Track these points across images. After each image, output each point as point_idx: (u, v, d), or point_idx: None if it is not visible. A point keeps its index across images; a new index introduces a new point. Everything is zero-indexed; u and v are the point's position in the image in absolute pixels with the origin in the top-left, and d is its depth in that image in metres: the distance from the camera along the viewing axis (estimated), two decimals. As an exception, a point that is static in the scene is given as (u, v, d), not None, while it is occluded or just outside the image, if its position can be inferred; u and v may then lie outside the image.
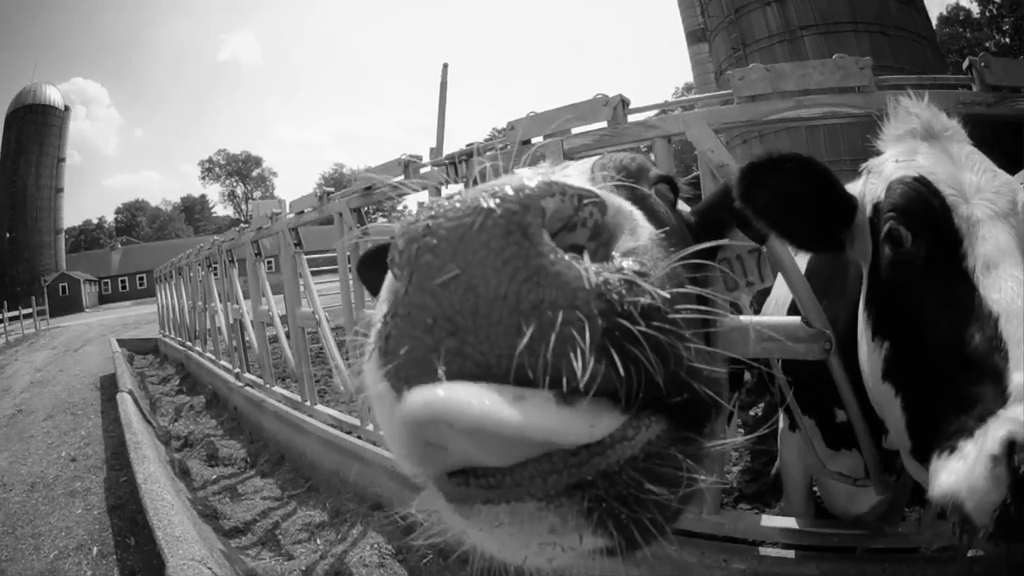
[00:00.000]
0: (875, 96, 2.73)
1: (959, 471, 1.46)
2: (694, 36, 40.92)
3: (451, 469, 0.70)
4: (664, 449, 0.72)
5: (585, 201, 0.72)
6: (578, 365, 0.63)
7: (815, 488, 3.55)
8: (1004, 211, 1.83)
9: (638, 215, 0.84)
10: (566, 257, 0.67)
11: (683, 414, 0.75)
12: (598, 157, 1.79)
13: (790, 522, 3.06)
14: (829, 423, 2.74)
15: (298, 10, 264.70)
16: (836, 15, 23.84)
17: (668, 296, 0.71)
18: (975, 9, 70.95)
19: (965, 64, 2.87)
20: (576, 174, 1.60)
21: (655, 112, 3.29)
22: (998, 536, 1.38)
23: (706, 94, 3.52)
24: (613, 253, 0.74)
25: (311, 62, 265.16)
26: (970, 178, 1.90)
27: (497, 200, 0.67)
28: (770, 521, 3.09)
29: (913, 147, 2.05)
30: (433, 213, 0.69)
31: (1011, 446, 1.35)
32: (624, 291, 0.68)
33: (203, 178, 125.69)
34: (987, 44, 68.03)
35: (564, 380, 0.64)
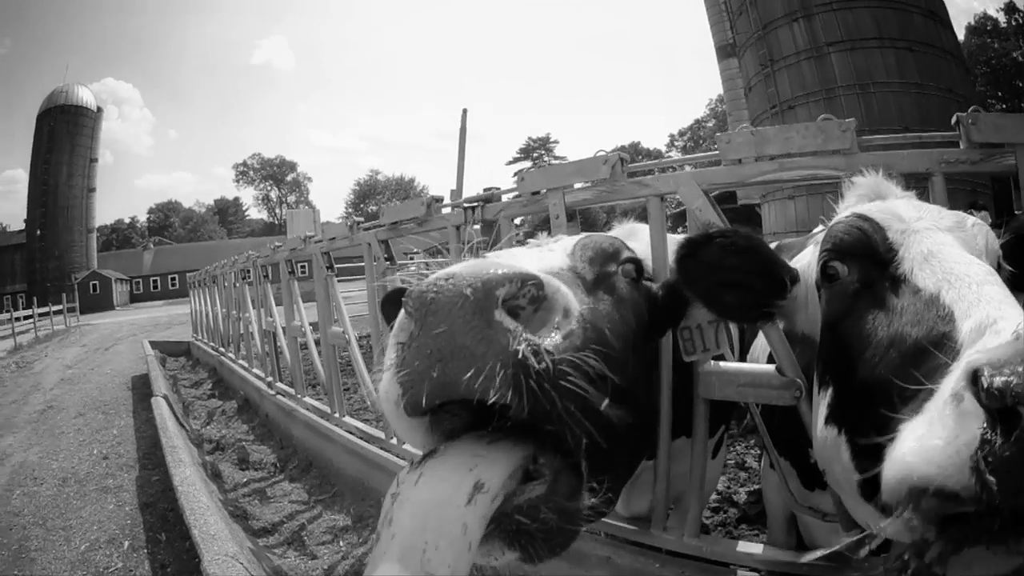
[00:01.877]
0: (856, 158, 2.77)
1: (912, 439, 1.28)
2: (724, 51, 40.44)
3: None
4: (544, 504, 1.30)
5: (528, 283, 1.28)
6: (496, 388, 1.20)
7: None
8: (948, 227, 1.86)
9: (566, 295, 1.43)
10: (507, 326, 1.23)
11: (561, 476, 1.37)
12: (584, 237, 2.09)
13: (759, 548, 3.14)
14: (803, 464, 2.82)
15: (330, 16, 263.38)
16: (862, 31, 23.57)
17: (557, 359, 1.29)
18: (1002, 19, 69.77)
19: (953, 119, 2.77)
20: (559, 250, 1.98)
21: (652, 169, 3.50)
22: (994, 505, 1.11)
23: (697, 155, 3.71)
24: (547, 317, 1.35)
25: (343, 68, 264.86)
26: (912, 212, 1.92)
27: (470, 289, 1.21)
28: (744, 547, 3.16)
29: (858, 206, 2.13)
30: (435, 289, 1.23)
31: (973, 375, 1.17)
32: (530, 353, 1.23)
33: (237, 181, 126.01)
34: (1015, 54, 66.85)
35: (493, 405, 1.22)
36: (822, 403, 1.91)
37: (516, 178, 3.75)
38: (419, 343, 1.24)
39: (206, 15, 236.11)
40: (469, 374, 1.20)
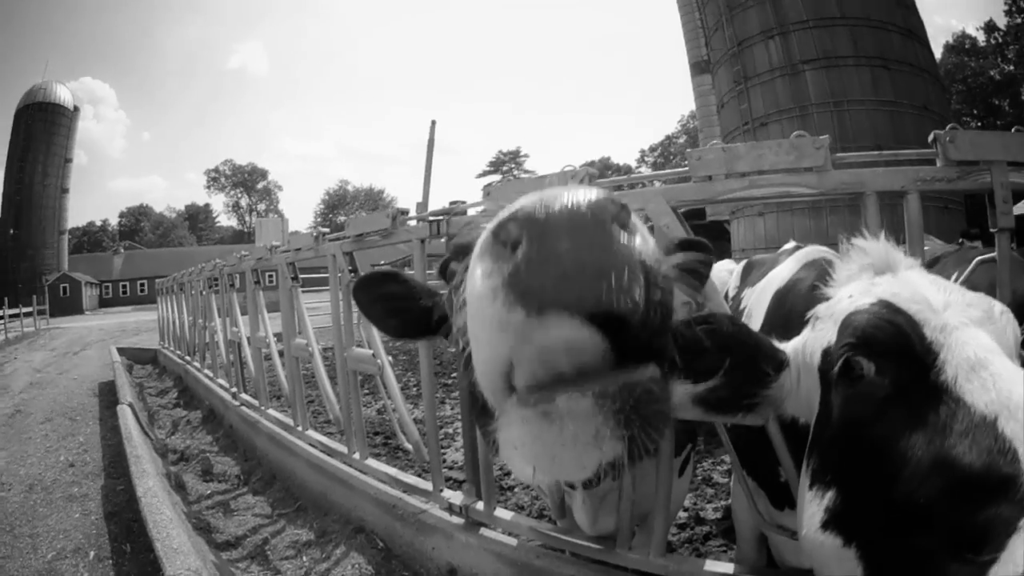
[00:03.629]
0: (829, 176, 2.76)
1: None
2: (697, 67, 40.73)
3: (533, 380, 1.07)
4: (654, 384, 1.10)
5: (623, 207, 1.07)
6: (631, 296, 1.00)
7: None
8: (979, 319, 1.63)
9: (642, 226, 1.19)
10: (623, 241, 1.04)
11: (663, 365, 1.17)
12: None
13: (729, 567, 3.11)
14: (772, 484, 2.79)
15: (306, 23, 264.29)
16: (838, 49, 23.74)
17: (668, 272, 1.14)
18: (981, 37, 70.77)
19: (931, 137, 2.79)
20: None
21: (621, 184, 3.46)
22: None
23: (667, 171, 3.66)
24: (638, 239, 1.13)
25: (317, 75, 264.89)
26: (937, 295, 1.69)
27: (586, 206, 1.02)
28: (712, 566, 3.15)
29: (869, 282, 1.85)
30: (546, 208, 1.03)
31: None
32: (651, 262, 1.05)
33: (208, 187, 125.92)
34: (991, 72, 67.86)
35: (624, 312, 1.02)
36: (816, 502, 1.66)
37: (483, 191, 3.67)
38: (539, 255, 1.01)
39: (185, 16, 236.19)
40: (603, 286, 1.02)
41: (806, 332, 1.96)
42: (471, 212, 4.00)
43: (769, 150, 2.87)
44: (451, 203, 4.10)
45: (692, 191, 3.03)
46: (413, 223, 4.50)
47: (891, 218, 2.63)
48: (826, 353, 1.79)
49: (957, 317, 1.62)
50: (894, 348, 1.59)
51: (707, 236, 2.78)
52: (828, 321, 1.83)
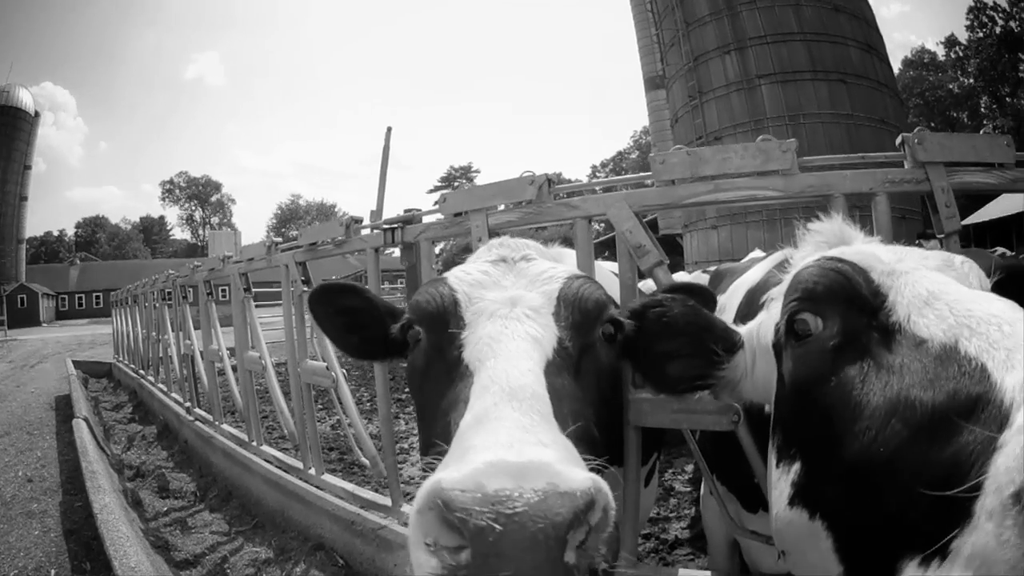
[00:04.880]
0: (796, 179, 2.74)
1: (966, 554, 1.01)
2: (652, 83, 41.01)
3: None
4: None
5: (595, 519, 1.13)
6: None
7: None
8: (936, 267, 1.58)
9: (608, 497, 1.18)
10: (573, 564, 1.10)
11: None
12: (568, 284, 1.87)
13: (706, 574, 3.07)
14: (744, 487, 2.78)
15: (263, 36, 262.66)
16: (795, 64, 24.12)
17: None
18: (940, 52, 72.16)
19: (898, 140, 2.81)
20: (543, 302, 1.78)
21: (583, 191, 3.41)
22: None
23: (627, 176, 3.60)
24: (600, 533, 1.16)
25: (274, 89, 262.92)
26: (890, 254, 1.64)
27: (541, 534, 1.05)
28: (686, 573, 3.07)
29: (821, 254, 1.78)
30: (498, 522, 1.04)
31: None
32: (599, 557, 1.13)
33: (163, 199, 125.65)
34: (950, 86, 69.28)
35: None
36: (784, 479, 1.61)
37: (438, 199, 3.59)
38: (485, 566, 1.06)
39: (145, 23, 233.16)
40: None
41: (760, 315, 1.97)
42: (426, 220, 3.92)
43: (735, 154, 2.84)
44: (405, 211, 4.01)
45: (655, 195, 2.98)
46: (367, 232, 4.42)
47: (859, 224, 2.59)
48: (777, 329, 1.76)
49: (909, 264, 1.59)
50: (839, 296, 1.56)
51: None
52: (779, 300, 1.79)
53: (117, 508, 5.40)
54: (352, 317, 2.23)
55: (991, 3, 63.92)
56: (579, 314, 1.78)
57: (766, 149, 2.79)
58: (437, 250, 3.80)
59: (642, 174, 3.18)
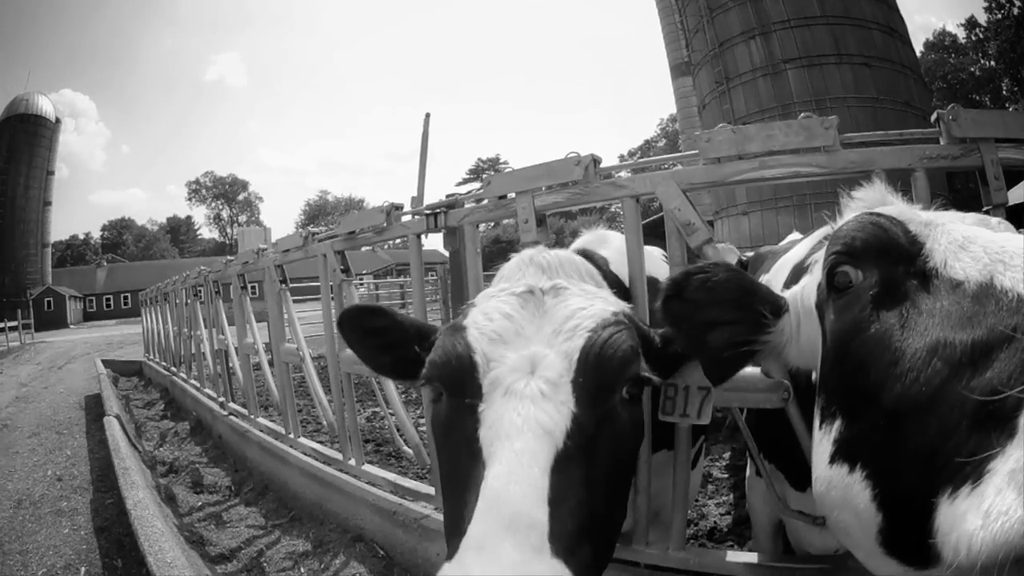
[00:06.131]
0: (839, 156, 2.75)
1: (1017, 481, 0.96)
2: (678, 70, 40.90)
3: None
4: None
5: None
6: None
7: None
8: (973, 222, 1.59)
9: None
10: None
11: None
12: (587, 342, 1.76)
13: (753, 557, 3.09)
14: (792, 466, 2.74)
15: (283, 35, 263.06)
16: (820, 48, 24.01)
17: None
18: (961, 34, 71.61)
19: (933, 117, 2.82)
20: (563, 368, 1.70)
21: (625, 171, 3.39)
22: None
23: (675, 154, 3.61)
24: None
25: (296, 87, 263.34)
26: (928, 213, 1.69)
27: None
28: (734, 556, 3.12)
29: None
30: None
31: None
32: None
33: (190, 199, 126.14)
34: (972, 68, 68.73)
35: None
36: (826, 439, 1.58)
37: (482, 182, 3.59)
38: None
39: (162, 28, 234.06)
40: None
41: (804, 278, 1.97)
42: (468, 205, 3.90)
43: (779, 131, 2.84)
44: (447, 195, 3.99)
45: (702, 173, 2.96)
46: (408, 218, 4.39)
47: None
48: (819, 287, 1.79)
49: (946, 217, 1.63)
50: (877, 246, 1.57)
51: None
52: (821, 262, 1.79)
53: (151, 504, 5.41)
54: (383, 338, 2.23)
55: (1009, -17, 63.40)
56: (601, 377, 1.71)
57: (809, 126, 2.79)
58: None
59: (686, 153, 3.16)
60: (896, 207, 1.75)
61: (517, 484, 1.47)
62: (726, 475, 6.34)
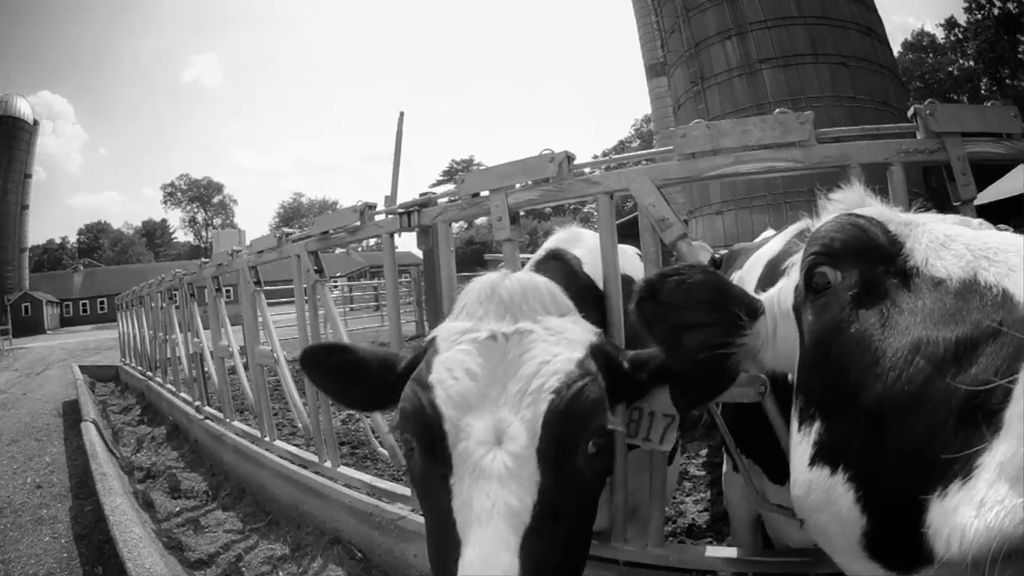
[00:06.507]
0: (814, 150, 2.76)
1: (1008, 474, 0.93)
2: (653, 70, 41.00)
3: None
4: None
5: None
6: None
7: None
8: (955, 222, 1.57)
9: None
10: None
11: None
12: (551, 405, 1.72)
13: (732, 552, 3.13)
14: (770, 460, 2.74)
15: (260, 36, 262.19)
16: (796, 48, 24.15)
17: None
18: (940, 34, 72.26)
19: (910, 112, 2.85)
20: (527, 439, 1.68)
21: (599, 168, 3.38)
22: None
23: (650, 151, 3.61)
24: None
25: (272, 88, 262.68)
26: (907, 215, 1.67)
27: None
28: (714, 552, 3.15)
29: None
30: None
31: None
32: None
33: (165, 202, 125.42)
34: (950, 68, 69.36)
35: None
36: (805, 441, 1.55)
37: (456, 180, 3.57)
38: None
39: (140, 29, 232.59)
40: None
41: (781, 280, 1.95)
42: (441, 202, 3.88)
43: (754, 126, 2.85)
44: (421, 194, 3.96)
45: (677, 169, 2.97)
46: (382, 217, 4.37)
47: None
48: (797, 289, 1.77)
49: (927, 217, 1.62)
50: (856, 247, 1.55)
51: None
52: (799, 264, 1.76)
53: (129, 509, 5.39)
54: (347, 373, 2.20)
55: (989, -16, 64.02)
56: (565, 441, 1.70)
57: (784, 121, 2.80)
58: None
59: (661, 149, 3.17)
60: (875, 208, 1.74)
61: (490, 570, 1.50)
62: (704, 472, 6.38)
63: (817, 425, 1.51)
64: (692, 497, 5.81)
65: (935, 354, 1.20)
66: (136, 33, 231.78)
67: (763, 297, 1.98)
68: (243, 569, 5.01)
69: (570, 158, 3.16)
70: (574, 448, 1.71)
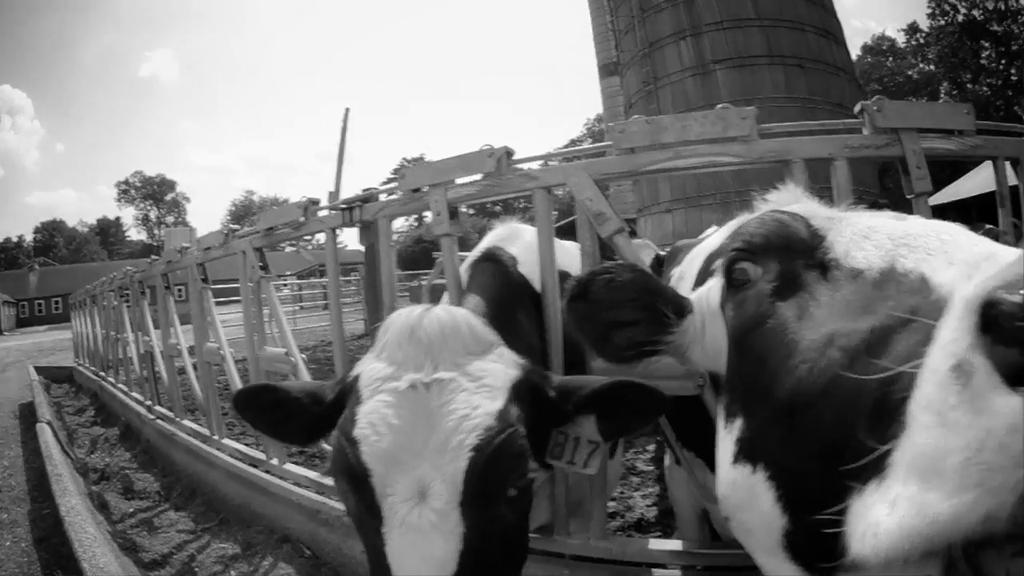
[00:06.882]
0: (756, 145, 2.79)
1: (913, 473, 0.89)
2: (606, 69, 40.87)
3: None
4: None
5: None
6: None
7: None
8: (891, 216, 1.54)
9: None
10: None
11: None
12: (470, 463, 1.76)
13: (676, 544, 3.15)
14: (713, 451, 2.76)
15: (216, 30, 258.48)
16: (752, 49, 24.26)
17: None
18: (901, 39, 73.00)
19: (857, 108, 2.88)
20: (450, 495, 1.74)
21: (538, 163, 3.39)
22: None
23: (587, 146, 3.63)
24: None
25: (227, 84, 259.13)
26: (835, 211, 1.67)
27: None
28: (657, 544, 3.18)
29: None
30: None
31: (983, 311, 0.77)
32: None
33: (119, 200, 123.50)
34: (909, 72, 70.11)
35: None
36: (728, 439, 1.55)
37: (398, 175, 3.56)
38: None
39: (101, 22, 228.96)
40: None
41: (710, 280, 1.94)
42: (383, 197, 3.89)
43: (695, 121, 2.88)
44: (364, 190, 3.96)
45: (615, 164, 2.99)
46: (325, 212, 4.37)
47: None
48: (722, 287, 1.78)
49: (854, 212, 1.64)
50: (776, 242, 1.57)
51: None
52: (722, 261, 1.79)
53: (84, 510, 5.37)
54: (278, 411, 2.21)
55: (955, -9, 64.85)
56: (486, 493, 1.76)
57: (725, 116, 2.82)
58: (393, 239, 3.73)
59: (601, 144, 3.18)
60: (803, 205, 1.75)
61: None
62: (652, 467, 6.42)
63: (739, 422, 1.51)
64: (640, 492, 5.86)
65: (848, 345, 1.19)
66: (97, 26, 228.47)
67: (692, 296, 1.99)
68: (196, 569, 5.01)
69: (509, 153, 3.17)
70: (495, 498, 1.77)
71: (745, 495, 1.41)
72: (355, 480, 1.78)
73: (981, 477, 0.75)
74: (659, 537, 4.74)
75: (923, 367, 0.90)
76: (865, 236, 1.42)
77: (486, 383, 1.89)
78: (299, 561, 4.66)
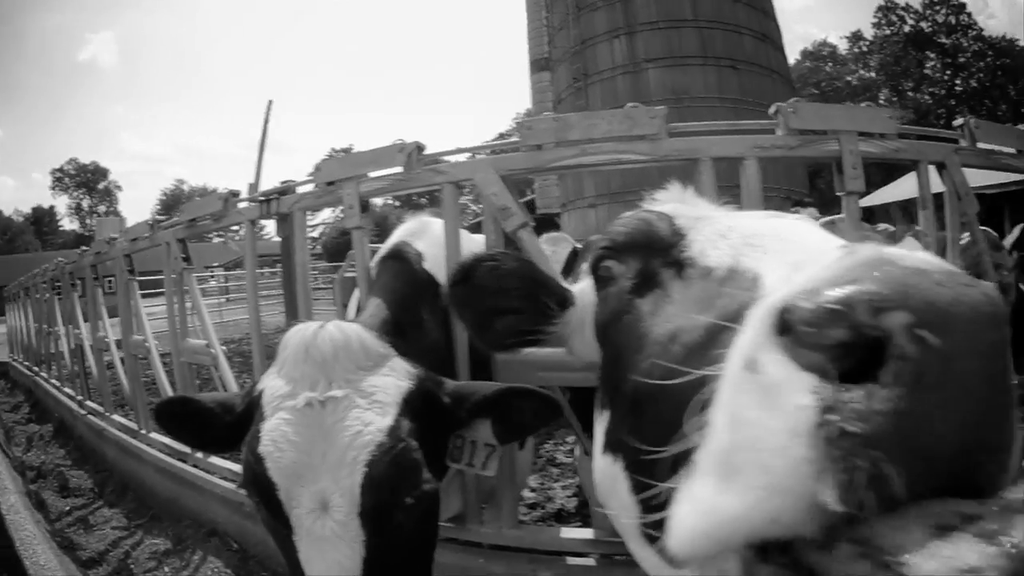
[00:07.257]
0: (663, 143, 2.85)
1: (702, 473, 0.91)
2: (537, 65, 40.52)
3: None
4: None
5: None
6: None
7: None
8: (763, 216, 1.52)
9: None
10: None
11: None
12: (364, 479, 1.84)
13: (588, 533, 3.21)
14: None
15: (158, 16, 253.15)
16: (685, 49, 24.22)
17: None
18: (843, 46, 73.71)
19: (772, 109, 2.94)
20: (349, 508, 1.82)
21: (451, 158, 3.44)
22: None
23: (496, 142, 3.70)
24: None
25: (164, 70, 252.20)
26: (707, 211, 1.68)
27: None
28: (569, 533, 3.24)
29: None
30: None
31: (779, 316, 0.77)
32: None
33: (53, 188, 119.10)
34: (848, 78, 70.84)
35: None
36: (599, 430, 1.57)
37: (313, 169, 3.60)
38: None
39: (51, 3, 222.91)
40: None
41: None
42: (300, 190, 3.92)
43: (603, 120, 2.93)
44: (282, 183, 3.98)
45: (522, 160, 3.05)
46: (244, 204, 4.37)
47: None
48: None
49: (723, 211, 1.66)
50: (637, 239, 1.59)
51: (536, 229, 2.90)
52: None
53: (23, 509, 5.47)
54: (196, 421, 2.25)
55: (903, 3, 65.74)
56: (382, 503, 1.84)
57: (633, 115, 2.88)
58: (316, 233, 3.76)
59: (509, 141, 3.24)
60: (674, 205, 1.75)
61: None
62: (571, 459, 6.46)
63: (607, 413, 1.55)
64: (560, 483, 5.96)
65: (688, 342, 1.22)
66: (42, 6, 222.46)
67: (575, 289, 2.02)
68: (132, 566, 5.02)
69: (420, 148, 3.22)
70: (391, 507, 1.84)
71: (610, 484, 1.46)
72: (264, 494, 1.85)
73: (763, 479, 0.75)
74: (578, 527, 4.86)
75: (724, 368, 0.92)
76: (722, 235, 1.42)
77: (377, 399, 1.96)
78: (227, 555, 4.70)
